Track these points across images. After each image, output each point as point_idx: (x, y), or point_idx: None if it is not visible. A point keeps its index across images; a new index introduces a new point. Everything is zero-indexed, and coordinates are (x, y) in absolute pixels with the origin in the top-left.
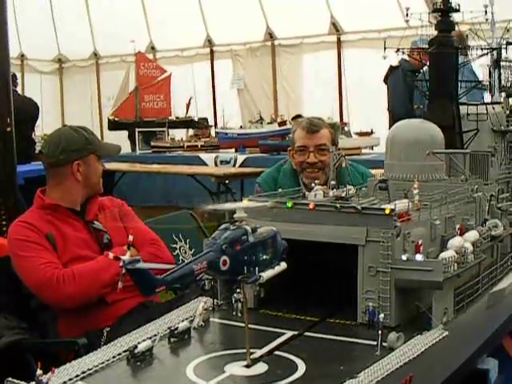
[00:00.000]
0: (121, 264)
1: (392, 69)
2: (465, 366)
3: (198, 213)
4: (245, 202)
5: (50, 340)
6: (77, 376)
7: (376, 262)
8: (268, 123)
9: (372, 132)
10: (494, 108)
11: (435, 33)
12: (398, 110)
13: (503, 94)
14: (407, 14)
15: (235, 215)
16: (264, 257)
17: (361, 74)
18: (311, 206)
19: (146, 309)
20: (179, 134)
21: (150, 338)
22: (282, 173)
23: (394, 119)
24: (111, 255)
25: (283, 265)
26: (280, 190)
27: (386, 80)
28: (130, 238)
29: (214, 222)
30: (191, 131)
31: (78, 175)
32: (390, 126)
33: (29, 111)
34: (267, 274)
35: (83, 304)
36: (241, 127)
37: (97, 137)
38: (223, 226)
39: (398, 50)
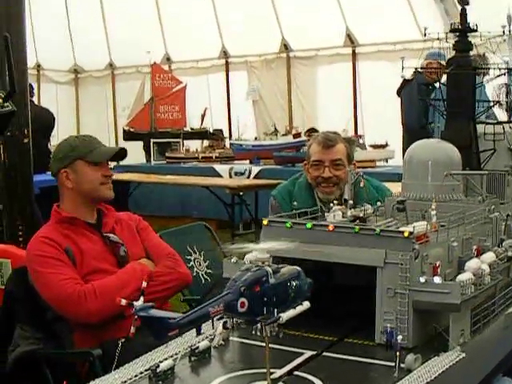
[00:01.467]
0: (133, 311)
1: (406, 82)
2: None
3: (211, 224)
4: (268, 244)
5: (66, 351)
6: None
7: (394, 283)
8: (283, 135)
9: (387, 144)
10: (510, 127)
11: (450, 44)
12: (412, 125)
13: None
14: (425, 34)
15: (257, 256)
16: (285, 297)
17: (376, 87)
18: (331, 228)
19: None
20: (194, 145)
21: (171, 356)
22: (297, 186)
23: (408, 133)
24: (124, 301)
25: (306, 304)
26: (295, 203)
27: (398, 92)
28: (144, 284)
29: (228, 233)
30: (206, 142)
31: (68, 183)
32: (404, 140)
33: (45, 121)
34: (287, 314)
35: (104, 319)
36: (255, 139)
37: (92, 142)
38: (245, 267)
39: (415, 70)
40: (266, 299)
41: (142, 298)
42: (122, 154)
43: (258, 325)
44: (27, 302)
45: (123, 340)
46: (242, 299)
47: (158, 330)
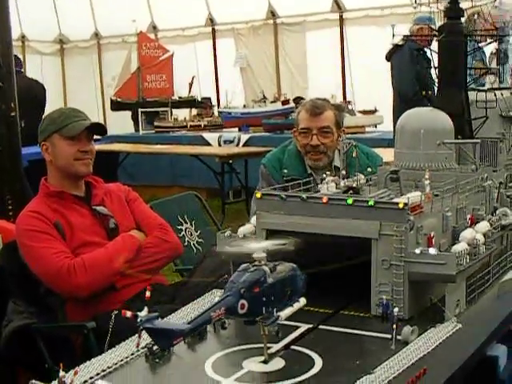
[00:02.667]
0: (138, 322)
1: (396, 47)
2: (476, 354)
3: (202, 193)
4: (263, 242)
5: (59, 324)
6: (97, 374)
7: (389, 255)
8: (271, 102)
9: (376, 110)
10: (502, 94)
11: (440, 8)
12: (405, 91)
13: None
14: (415, 1)
15: (254, 255)
16: (283, 296)
17: (364, 52)
18: (325, 201)
19: (153, 291)
20: (182, 114)
21: None
22: (286, 153)
23: (400, 99)
24: (129, 313)
25: (302, 301)
26: (285, 170)
27: (388, 57)
28: (148, 293)
29: (218, 201)
30: (194, 111)
31: (47, 156)
32: (395, 106)
33: (37, 92)
34: (286, 312)
35: (94, 292)
36: (244, 106)
37: (70, 116)
38: (242, 267)
39: (405, 36)
40: (265, 299)
41: (146, 309)
42: (101, 128)
43: None
44: (19, 277)
45: (116, 312)
46: (242, 301)
47: (163, 340)
